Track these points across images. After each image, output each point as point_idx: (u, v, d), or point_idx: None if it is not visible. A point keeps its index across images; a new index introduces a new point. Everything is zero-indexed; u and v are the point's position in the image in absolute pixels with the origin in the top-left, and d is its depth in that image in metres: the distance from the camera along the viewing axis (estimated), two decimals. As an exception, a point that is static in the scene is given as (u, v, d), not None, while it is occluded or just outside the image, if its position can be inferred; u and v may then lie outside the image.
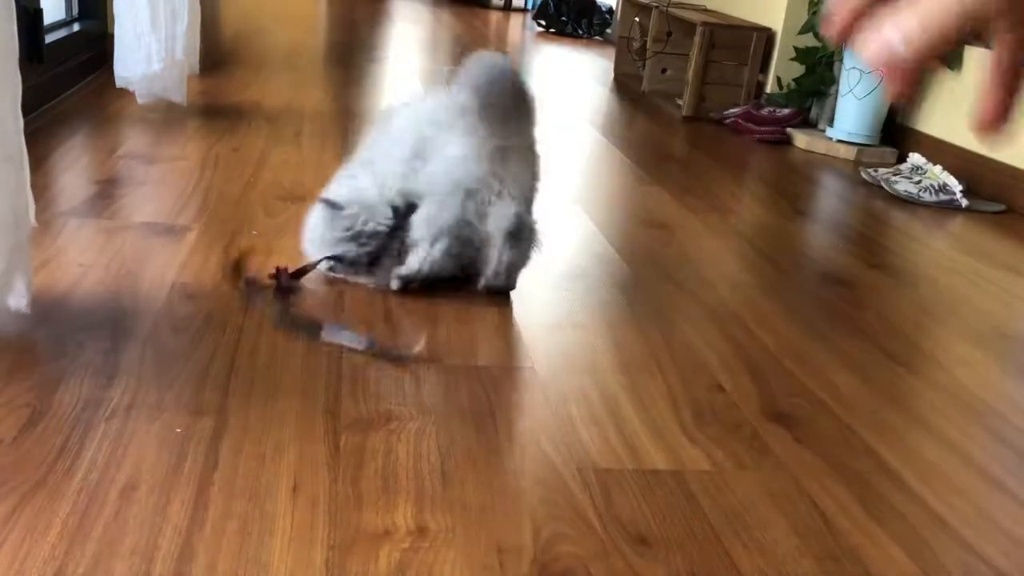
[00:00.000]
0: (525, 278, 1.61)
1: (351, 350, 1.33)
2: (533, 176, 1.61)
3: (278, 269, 1.52)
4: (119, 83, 2.57)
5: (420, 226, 1.53)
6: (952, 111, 3.04)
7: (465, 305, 1.57)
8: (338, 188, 1.62)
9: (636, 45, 4.33)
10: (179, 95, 2.63)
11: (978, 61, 2.93)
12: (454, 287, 1.60)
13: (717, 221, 2.25)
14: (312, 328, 1.36)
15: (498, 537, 0.98)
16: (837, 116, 3.26)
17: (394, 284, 1.55)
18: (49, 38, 2.61)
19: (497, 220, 1.52)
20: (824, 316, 1.71)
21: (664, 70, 3.97)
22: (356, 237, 1.55)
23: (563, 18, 6.02)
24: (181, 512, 0.96)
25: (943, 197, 2.64)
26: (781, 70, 3.58)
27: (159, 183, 2.03)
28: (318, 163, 2.32)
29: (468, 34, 5.66)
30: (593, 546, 0.98)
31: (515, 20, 6.81)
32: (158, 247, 1.66)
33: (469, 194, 1.52)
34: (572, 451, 1.16)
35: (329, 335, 1.34)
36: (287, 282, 1.51)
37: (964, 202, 2.62)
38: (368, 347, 1.31)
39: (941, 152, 3.01)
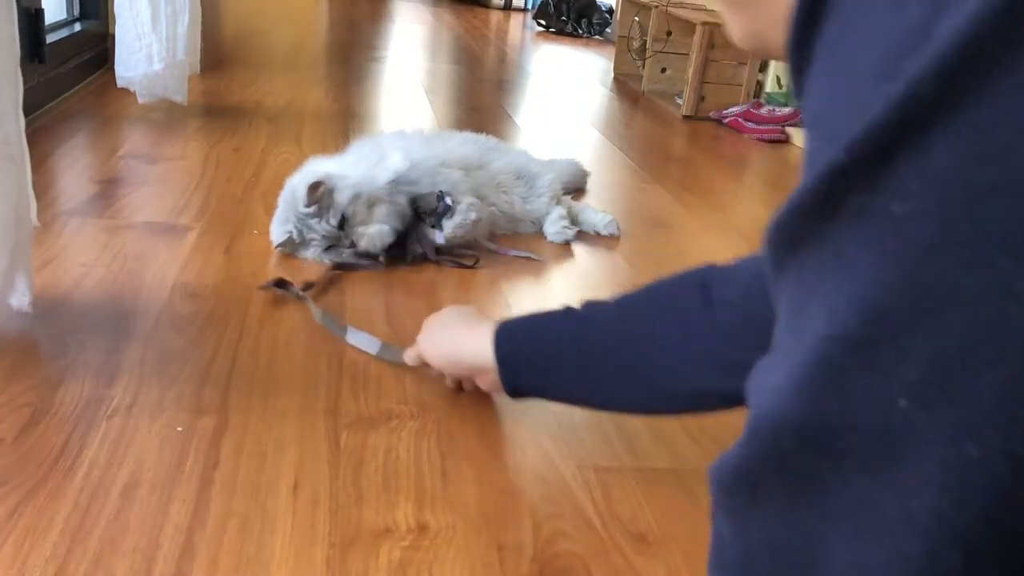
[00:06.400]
0: (525, 278, 1.60)
1: (363, 352, 1.34)
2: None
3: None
4: (120, 83, 2.57)
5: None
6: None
7: (464, 305, 1.57)
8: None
9: (636, 44, 4.33)
10: (180, 95, 2.63)
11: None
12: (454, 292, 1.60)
13: (717, 220, 2.25)
14: (343, 329, 1.40)
15: (498, 535, 0.98)
16: (837, 115, 3.26)
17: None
18: (50, 38, 2.61)
19: None
20: (824, 315, 1.71)
21: (664, 69, 3.97)
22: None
23: (563, 18, 6.02)
24: (182, 511, 0.96)
25: (943, 196, 2.64)
26: (781, 69, 3.58)
27: (160, 183, 2.04)
28: (319, 163, 2.32)
29: (469, 34, 5.66)
30: (593, 544, 0.99)
31: (515, 20, 6.82)
32: (160, 246, 1.67)
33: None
34: (572, 449, 1.16)
35: (352, 337, 1.37)
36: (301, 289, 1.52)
37: (964, 201, 2.62)
38: (378, 353, 1.33)
39: (941, 151, 3.01)
